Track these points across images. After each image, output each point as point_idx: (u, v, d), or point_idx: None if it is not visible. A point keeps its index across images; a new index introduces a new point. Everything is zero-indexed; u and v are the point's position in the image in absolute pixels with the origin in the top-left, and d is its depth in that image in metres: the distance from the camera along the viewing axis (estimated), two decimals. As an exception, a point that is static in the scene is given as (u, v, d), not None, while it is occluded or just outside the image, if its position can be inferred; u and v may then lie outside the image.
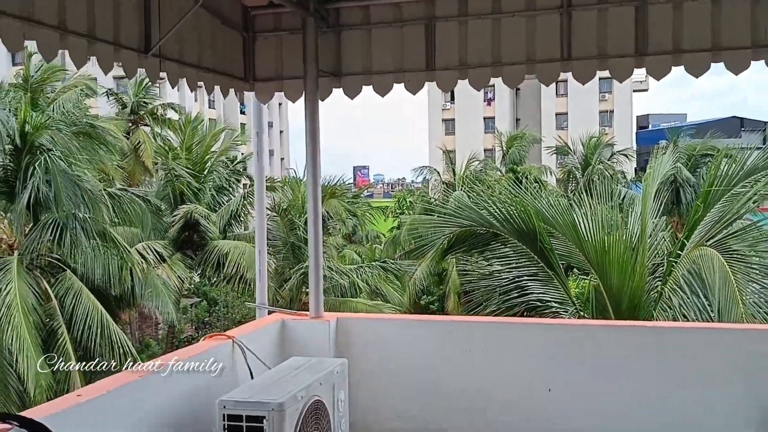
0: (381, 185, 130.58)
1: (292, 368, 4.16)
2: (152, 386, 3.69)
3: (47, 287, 19.71)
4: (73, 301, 19.65)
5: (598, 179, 30.20)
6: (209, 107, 71.14)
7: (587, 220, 9.44)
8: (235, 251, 21.70)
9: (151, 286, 20.20)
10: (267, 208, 26.13)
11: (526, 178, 32.43)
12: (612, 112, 67.86)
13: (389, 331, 5.11)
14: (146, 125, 35.47)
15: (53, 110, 23.01)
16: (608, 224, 9.50)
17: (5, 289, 18.25)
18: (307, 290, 21.45)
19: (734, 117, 68.00)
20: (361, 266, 22.86)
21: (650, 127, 77.72)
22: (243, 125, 74.57)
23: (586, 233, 9.34)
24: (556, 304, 9.49)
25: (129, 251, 20.21)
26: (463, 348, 4.83)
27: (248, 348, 4.44)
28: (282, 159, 79.38)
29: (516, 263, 9.72)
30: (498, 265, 10.42)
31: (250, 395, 3.65)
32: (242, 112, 75.28)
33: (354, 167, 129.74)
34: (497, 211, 9.47)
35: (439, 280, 38.85)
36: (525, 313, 9.95)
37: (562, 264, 9.67)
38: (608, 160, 42.26)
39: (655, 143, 67.64)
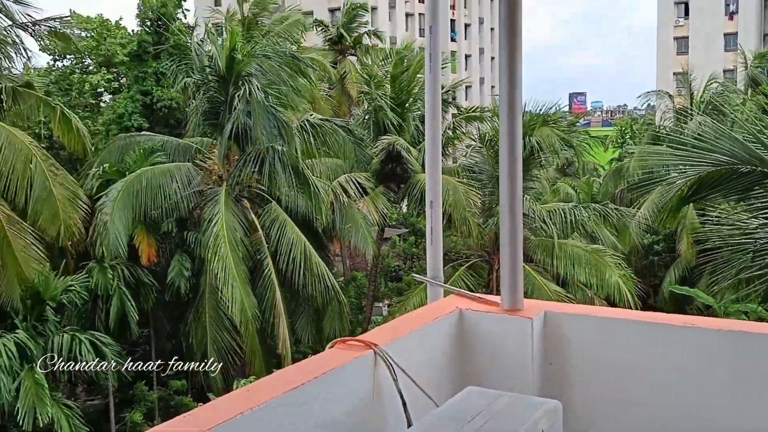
0: (599, 113, 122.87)
1: (466, 415, 2.45)
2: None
3: (254, 218, 19.78)
4: (278, 233, 19.55)
5: None
6: (419, 35, 70.04)
7: None
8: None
9: (350, 221, 19.54)
10: (471, 138, 24.44)
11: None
12: None
13: (627, 336, 3.18)
14: (353, 54, 34.95)
15: (263, 42, 22.84)
16: None
17: (214, 220, 18.48)
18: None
19: None
20: (576, 206, 20.37)
21: None
22: (453, 53, 72.66)
23: None
24: None
25: (318, 189, 19.53)
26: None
27: (400, 366, 2.80)
28: (493, 86, 76.53)
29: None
30: (762, 217, 7.83)
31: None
32: (453, 39, 73.25)
33: (570, 94, 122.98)
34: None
35: (666, 216, 34.82)
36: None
37: None
38: None
39: None
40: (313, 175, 20.17)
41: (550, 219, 19.90)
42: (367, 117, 22.00)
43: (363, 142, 21.36)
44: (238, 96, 19.17)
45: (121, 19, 30.60)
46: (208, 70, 19.84)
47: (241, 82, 19.52)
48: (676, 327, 3.08)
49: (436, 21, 3.91)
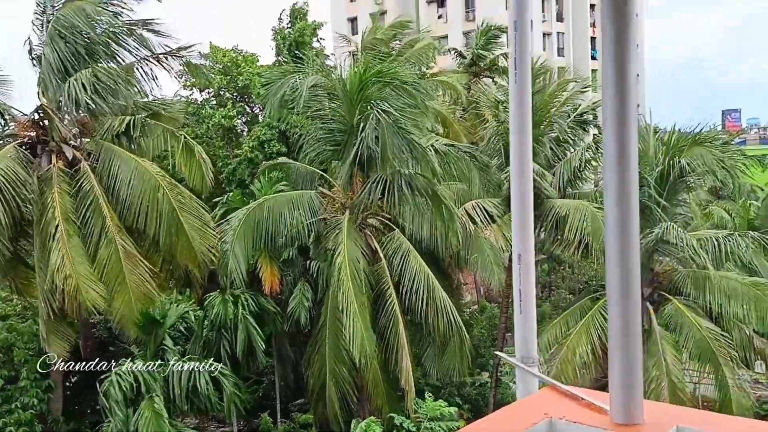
0: (756, 130, 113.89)
1: None
2: None
3: (377, 246, 19.20)
4: (401, 262, 18.86)
5: None
6: (558, 55, 67.83)
7: None
8: (575, 213, 18.80)
9: (477, 251, 18.47)
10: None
11: None
12: None
13: None
14: (489, 77, 34.01)
15: (389, 65, 22.39)
16: None
17: (337, 249, 18.06)
18: (659, 259, 17.45)
19: None
20: (731, 233, 18.14)
21: None
22: (594, 71, 69.75)
23: None
24: None
25: (453, 210, 18.66)
26: None
27: None
28: (638, 105, 72.66)
29: None
30: None
31: None
32: (593, 58, 70.36)
33: (722, 111, 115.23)
34: None
35: None
36: None
37: None
38: None
39: None
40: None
41: (701, 248, 17.83)
42: (495, 140, 20.91)
43: (489, 167, 20.29)
44: (366, 120, 18.82)
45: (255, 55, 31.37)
46: (331, 96, 19.65)
47: (368, 106, 19.20)
48: None
49: (521, 17, 2.99)
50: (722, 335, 18.11)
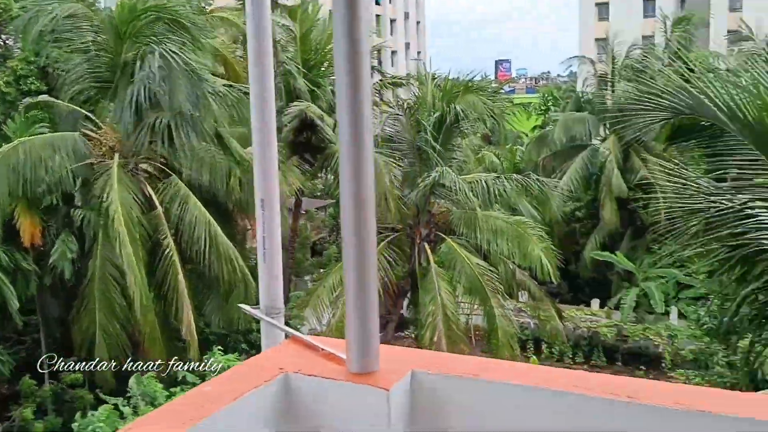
0: (524, 80, 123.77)
1: None
2: None
3: (152, 194, 18.08)
4: (180, 209, 17.96)
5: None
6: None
7: None
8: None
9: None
10: (389, 105, 23.21)
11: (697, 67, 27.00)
12: (801, -11, 57.67)
13: (519, 403, 2.04)
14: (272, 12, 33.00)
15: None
16: None
17: (107, 199, 16.72)
18: (435, 201, 18.22)
19: None
20: (499, 177, 19.47)
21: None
22: (378, 16, 70.95)
23: None
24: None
25: (243, 156, 18.06)
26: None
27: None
28: (419, 53, 75.37)
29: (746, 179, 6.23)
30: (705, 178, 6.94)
31: None
32: (377, 3, 71.45)
33: (495, 61, 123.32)
34: (720, 96, 5.88)
35: (588, 184, 34.67)
36: (741, 262, 6.51)
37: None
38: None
39: None
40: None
41: (472, 190, 18.93)
42: (277, 81, 20.33)
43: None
44: (142, 57, 17.39)
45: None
46: (95, 29, 17.90)
47: (140, 42, 17.73)
48: (572, 395, 2.00)
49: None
50: (490, 270, 19.55)
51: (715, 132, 6.07)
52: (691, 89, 6.13)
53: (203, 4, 30.06)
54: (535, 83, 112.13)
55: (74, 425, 12.59)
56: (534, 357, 24.07)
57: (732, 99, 5.72)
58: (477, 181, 19.05)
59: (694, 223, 6.60)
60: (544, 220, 27.76)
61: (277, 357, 2.25)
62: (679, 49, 34.67)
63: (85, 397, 17.73)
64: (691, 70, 7.49)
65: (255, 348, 24.66)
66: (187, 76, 17.35)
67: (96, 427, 12.18)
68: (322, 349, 2.21)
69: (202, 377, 16.91)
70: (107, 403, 12.91)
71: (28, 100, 19.27)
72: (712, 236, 6.78)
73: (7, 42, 27.40)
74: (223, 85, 18.34)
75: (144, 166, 18.42)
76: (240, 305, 2.73)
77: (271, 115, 2.73)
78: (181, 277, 17.39)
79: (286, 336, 2.57)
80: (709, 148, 6.73)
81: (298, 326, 26.20)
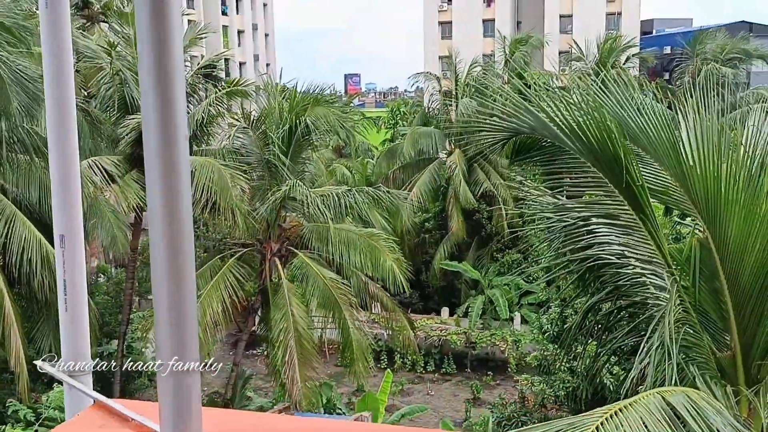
0: (373, 94, 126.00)
1: None
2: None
3: (-30, 213, 16.38)
4: (6, 229, 16.42)
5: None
6: (188, 6, 65.77)
7: (695, 138, 6.11)
8: (201, 170, 18.22)
9: (96, 214, 16.83)
10: (234, 117, 22.61)
11: (535, 85, 28.63)
12: (620, 14, 63.01)
13: None
14: (105, 21, 31.23)
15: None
16: (721, 145, 6.16)
17: None
18: (286, 215, 17.78)
19: (743, 21, 63.85)
20: (350, 189, 19.47)
21: (654, 33, 73.15)
22: (225, 27, 69.45)
23: (692, 157, 6.05)
24: (639, 264, 6.29)
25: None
26: None
27: None
28: (268, 65, 74.56)
29: (587, 195, 6.48)
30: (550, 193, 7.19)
31: None
32: (224, 13, 69.95)
33: (345, 75, 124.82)
34: (561, 116, 6.08)
35: (436, 196, 35.70)
36: (588, 272, 6.80)
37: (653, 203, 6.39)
38: (622, 65, 38.35)
39: (660, 49, 63.60)
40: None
41: (324, 203, 18.78)
42: (110, 91, 19.16)
43: (103, 122, 18.65)
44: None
45: None
46: None
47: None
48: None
49: None
50: (343, 283, 19.49)
51: (555, 150, 6.29)
52: (531, 108, 6.31)
53: (35, 8, 27.96)
54: (384, 97, 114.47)
55: None
56: (388, 370, 24.28)
57: (573, 119, 5.94)
58: (328, 194, 18.95)
59: (538, 236, 6.81)
60: (395, 231, 28.22)
61: (90, 420, 1.92)
62: (520, 66, 36.70)
63: None
64: (529, 87, 7.75)
65: (94, 375, 23.05)
66: (20, 84, 15.90)
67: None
68: (132, 420, 1.91)
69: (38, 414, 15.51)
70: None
71: None
72: (556, 250, 7.02)
73: None
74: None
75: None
76: (38, 362, 2.30)
77: (73, 136, 2.38)
78: (8, 302, 15.87)
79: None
80: (548, 166, 6.96)
81: (143, 349, 24.82)
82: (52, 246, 15.36)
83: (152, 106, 1.52)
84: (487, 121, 6.91)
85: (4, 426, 13.22)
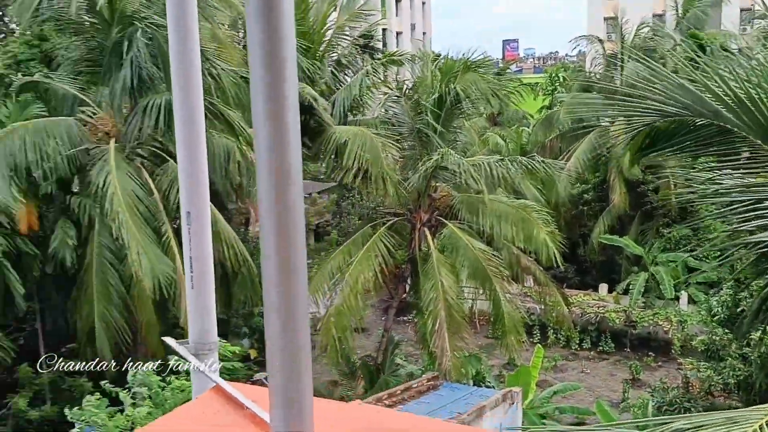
0: (532, 59, 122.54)
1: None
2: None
3: (148, 179, 17.73)
4: (178, 195, 17.61)
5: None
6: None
7: None
8: (354, 140, 18.52)
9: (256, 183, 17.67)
10: (389, 87, 22.71)
11: (711, 47, 26.34)
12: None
13: None
14: None
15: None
16: None
17: (104, 185, 16.35)
18: (437, 185, 17.70)
19: None
20: (502, 159, 18.97)
21: None
22: (383, -4, 69.98)
23: None
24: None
25: (246, 132, 17.60)
26: None
27: None
28: (424, 33, 74.44)
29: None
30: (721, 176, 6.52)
31: None
32: (382, -17, 70.43)
33: (503, 41, 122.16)
34: (729, 92, 5.43)
35: (596, 166, 34.08)
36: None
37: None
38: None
39: None
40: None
41: (475, 173, 18.48)
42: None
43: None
44: (130, 37, 16.98)
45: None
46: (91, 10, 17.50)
47: (131, 21, 17.31)
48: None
49: None
50: (494, 255, 19.17)
51: (712, 132, 5.63)
52: (686, 84, 5.67)
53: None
54: (543, 63, 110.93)
55: (67, 413, 12.35)
56: (539, 345, 23.76)
57: (745, 90, 5.27)
58: (479, 164, 18.60)
59: (710, 210, 6.19)
60: (549, 203, 27.31)
61: (195, 416, 1.90)
62: (693, 26, 33.94)
63: (84, 386, 17.55)
64: (704, 51, 7.02)
65: (255, 331, 24.40)
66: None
67: (92, 414, 11.92)
68: (246, 408, 1.85)
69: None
70: (106, 392, 12.65)
71: (19, 79, 18.81)
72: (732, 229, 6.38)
73: (9, 25, 26.99)
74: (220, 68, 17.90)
75: (139, 150, 18.07)
76: (165, 339, 2.34)
77: (200, 115, 2.37)
78: (179, 262, 17.06)
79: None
80: (698, 151, 6.28)
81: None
82: (218, 209, 16.27)
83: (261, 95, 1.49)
84: (650, 100, 6.27)
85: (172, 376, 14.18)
